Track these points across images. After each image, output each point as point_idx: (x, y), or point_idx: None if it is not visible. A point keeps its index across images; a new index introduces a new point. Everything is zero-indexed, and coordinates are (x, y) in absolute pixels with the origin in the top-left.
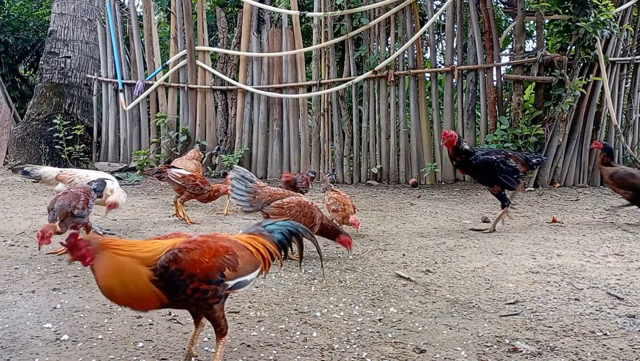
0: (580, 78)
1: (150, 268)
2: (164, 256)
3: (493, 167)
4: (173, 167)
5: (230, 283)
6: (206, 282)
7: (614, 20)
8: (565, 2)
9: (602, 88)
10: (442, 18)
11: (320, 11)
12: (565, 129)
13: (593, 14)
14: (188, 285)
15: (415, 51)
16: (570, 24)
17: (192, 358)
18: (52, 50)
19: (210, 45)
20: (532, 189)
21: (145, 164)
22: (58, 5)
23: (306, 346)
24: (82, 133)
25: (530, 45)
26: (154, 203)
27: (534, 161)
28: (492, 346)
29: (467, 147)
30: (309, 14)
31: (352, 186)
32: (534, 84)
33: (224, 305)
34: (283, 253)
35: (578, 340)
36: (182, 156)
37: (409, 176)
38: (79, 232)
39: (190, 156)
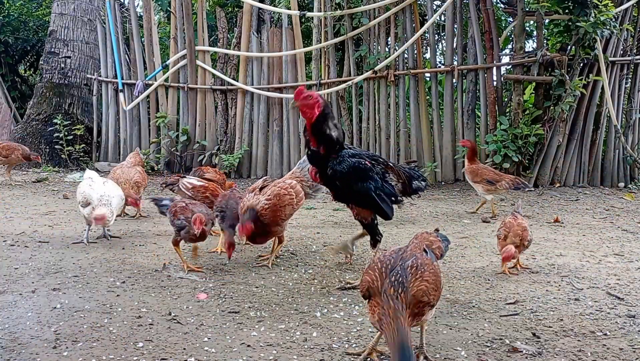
0: (580, 78)
1: None
2: None
3: (367, 177)
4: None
5: None
6: None
7: (614, 20)
8: (565, 2)
9: (602, 88)
10: (442, 18)
11: (320, 11)
12: (565, 129)
13: (593, 14)
14: None
15: (415, 51)
16: (570, 24)
17: None
18: (52, 50)
19: (210, 45)
20: (532, 189)
21: (145, 164)
22: (58, 5)
23: (306, 346)
24: (82, 133)
25: (530, 45)
26: None
27: (415, 184)
28: (492, 346)
29: (334, 134)
30: (309, 14)
31: None
32: (534, 84)
33: None
34: None
35: (578, 340)
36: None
37: None
38: None
39: (132, 162)
